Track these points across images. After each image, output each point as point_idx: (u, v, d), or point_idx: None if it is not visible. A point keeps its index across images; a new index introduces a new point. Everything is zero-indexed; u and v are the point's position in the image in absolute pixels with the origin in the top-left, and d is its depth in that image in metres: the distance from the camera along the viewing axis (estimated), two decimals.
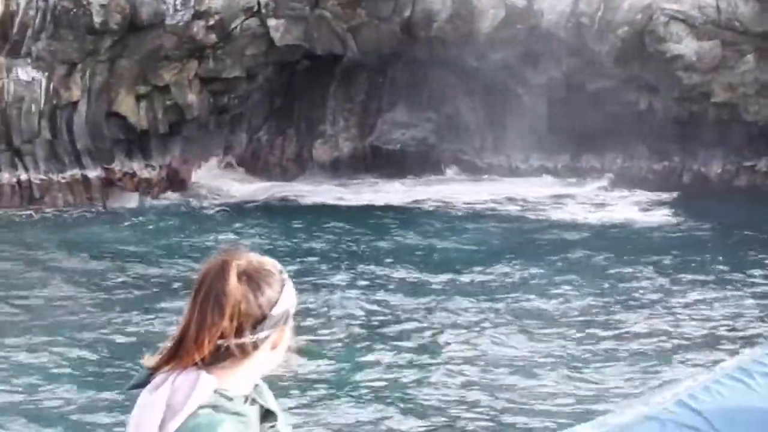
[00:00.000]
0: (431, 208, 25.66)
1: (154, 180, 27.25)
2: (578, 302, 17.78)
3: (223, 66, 27.31)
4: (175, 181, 27.47)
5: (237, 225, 24.18)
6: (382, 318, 17.38)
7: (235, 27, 27.12)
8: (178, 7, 26.65)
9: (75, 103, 26.44)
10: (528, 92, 28.00)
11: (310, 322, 16.38)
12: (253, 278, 3.12)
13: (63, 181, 26.54)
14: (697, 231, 23.18)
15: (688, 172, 28.07)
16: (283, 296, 3.14)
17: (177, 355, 3.11)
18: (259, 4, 27.16)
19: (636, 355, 15.28)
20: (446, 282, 19.21)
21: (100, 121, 26.74)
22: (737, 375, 3.69)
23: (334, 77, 28.88)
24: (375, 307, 17.82)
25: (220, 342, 3.08)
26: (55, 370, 15.00)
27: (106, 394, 14.01)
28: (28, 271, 20.31)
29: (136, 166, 27.19)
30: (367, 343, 16.11)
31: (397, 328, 16.86)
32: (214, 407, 3.09)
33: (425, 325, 16.93)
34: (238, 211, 25.64)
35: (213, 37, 26.90)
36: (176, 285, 19.00)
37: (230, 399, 3.12)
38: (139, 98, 26.97)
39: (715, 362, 11.84)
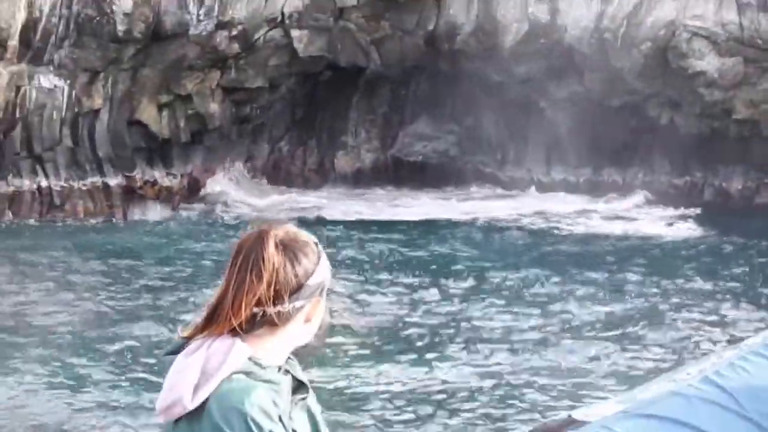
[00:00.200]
0: (459, 220, 25.68)
1: (175, 188, 27.26)
2: (614, 313, 17.78)
3: (245, 76, 27.33)
4: (196, 190, 27.49)
5: None
6: (409, 330, 17.37)
7: (259, 37, 27.13)
8: (202, 17, 26.67)
9: (97, 111, 26.45)
10: (550, 106, 28.01)
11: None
12: (289, 248, 3.16)
13: (84, 188, 26.54)
14: (724, 245, 23.18)
15: (709, 187, 28.07)
16: (319, 268, 3.18)
17: (213, 321, 3.13)
18: (282, 14, 27.17)
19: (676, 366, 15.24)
20: (470, 291, 19.22)
21: (122, 129, 26.76)
22: (763, 351, 3.69)
23: (356, 89, 28.91)
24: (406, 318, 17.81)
25: (256, 309, 3.11)
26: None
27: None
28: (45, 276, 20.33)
29: (157, 175, 27.20)
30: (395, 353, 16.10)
31: (424, 339, 16.84)
32: (248, 374, 3.11)
33: (451, 334, 16.93)
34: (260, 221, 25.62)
35: (236, 47, 26.92)
36: (193, 298, 18.91)
37: (264, 367, 3.14)
38: (161, 107, 26.99)
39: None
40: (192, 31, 26.59)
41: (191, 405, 3.09)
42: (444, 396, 14.37)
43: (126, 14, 25.93)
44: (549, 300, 18.72)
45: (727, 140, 27.57)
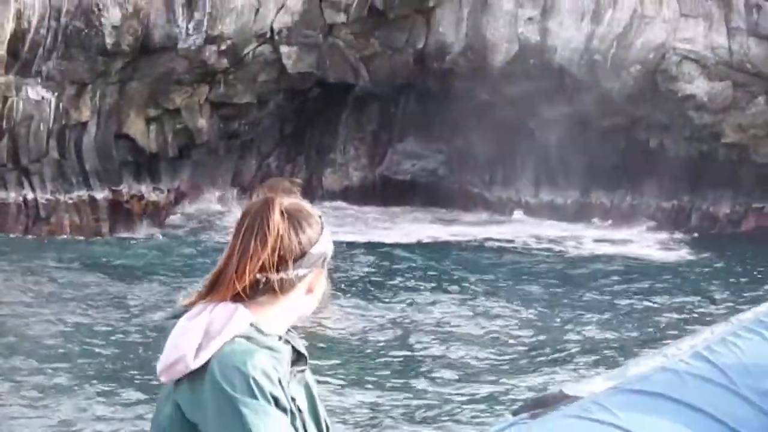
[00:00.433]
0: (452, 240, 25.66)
1: (162, 203, 27.15)
2: (619, 335, 17.76)
3: (234, 91, 27.26)
4: (183, 206, 27.38)
5: None
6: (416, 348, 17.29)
7: (248, 53, 27.06)
8: (191, 31, 26.57)
9: (84, 124, 26.31)
10: (539, 127, 28.01)
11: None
12: (294, 216, 3.25)
13: (70, 201, 26.39)
14: (715, 268, 23.21)
15: (697, 211, 28.08)
16: (323, 238, 3.27)
17: (216, 287, 3.21)
18: (272, 30, 27.12)
19: None
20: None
21: (109, 142, 26.63)
22: (754, 327, 3.66)
23: (345, 106, 28.88)
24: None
25: (259, 276, 3.18)
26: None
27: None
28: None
29: (144, 189, 27.08)
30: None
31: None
32: (249, 339, 3.17)
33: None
34: None
35: (225, 62, 26.84)
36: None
37: (265, 334, 3.20)
38: (149, 121, 26.88)
39: None
40: (181, 45, 26.50)
41: (194, 364, 3.13)
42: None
43: (114, 27, 25.81)
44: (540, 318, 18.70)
45: (716, 164, 27.62)
